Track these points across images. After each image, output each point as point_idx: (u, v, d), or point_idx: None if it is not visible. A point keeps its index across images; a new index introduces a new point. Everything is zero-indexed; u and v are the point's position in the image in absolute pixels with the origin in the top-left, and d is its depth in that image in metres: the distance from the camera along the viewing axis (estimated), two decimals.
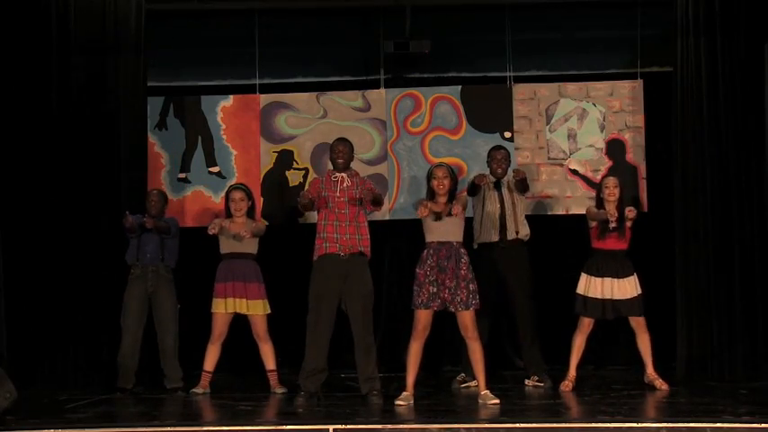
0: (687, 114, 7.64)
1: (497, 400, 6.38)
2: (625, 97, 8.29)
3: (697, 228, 7.56)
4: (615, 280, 7.08)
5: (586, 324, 7.15)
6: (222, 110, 8.42)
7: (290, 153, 8.39)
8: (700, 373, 7.42)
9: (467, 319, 6.45)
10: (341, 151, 6.83)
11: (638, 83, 8.30)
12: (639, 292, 7.11)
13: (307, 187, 7.03)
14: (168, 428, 5.69)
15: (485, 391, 6.48)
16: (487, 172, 7.50)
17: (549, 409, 6.37)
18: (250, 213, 7.41)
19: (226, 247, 7.30)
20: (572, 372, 7.15)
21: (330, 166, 6.96)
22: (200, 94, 8.49)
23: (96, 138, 7.68)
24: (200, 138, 8.42)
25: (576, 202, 8.21)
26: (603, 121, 8.30)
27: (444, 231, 6.51)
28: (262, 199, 8.17)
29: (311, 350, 6.69)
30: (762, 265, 7.50)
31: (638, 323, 7.12)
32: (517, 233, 7.36)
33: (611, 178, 7.27)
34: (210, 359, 7.29)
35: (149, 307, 7.36)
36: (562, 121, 8.30)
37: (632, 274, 7.11)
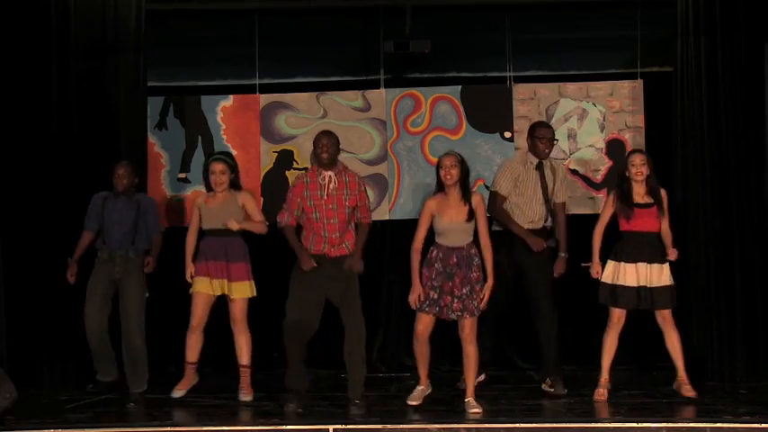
0: (687, 114, 7.64)
1: (479, 410, 6.17)
2: (625, 97, 8.29)
3: (697, 227, 7.56)
4: (649, 265, 6.52)
5: (616, 318, 6.57)
6: (222, 110, 8.42)
7: (290, 153, 8.39)
8: (700, 373, 7.42)
9: (469, 323, 6.27)
10: (325, 145, 6.38)
11: (638, 83, 8.30)
12: (672, 282, 6.59)
13: (289, 194, 6.54)
14: (168, 428, 5.70)
15: (469, 399, 6.27)
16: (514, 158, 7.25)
17: (549, 408, 6.38)
18: (235, 185, 6.84)
19: (207, 222, 6.71)
20: (605, 375, 6.64)
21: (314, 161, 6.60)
22: (200, 94, 8.49)
23: (96, 138, 7.68)
24: (200, 138, 8.42)
25: (576, 201, 8.20)
26: (603, 121, 8.30)
27: (454, 237, 6.29)
28: (262, 199, 8.17)
29: (293, 352, 6.44)
30: (762, 266, 7.49)
31: (665, 318, 6.57)
32: (547, 220, 6.97)
33: (638, 155, 6.66)
34: (193, 349, 6.69)
35: (115, 295, 6.94)
36: (562, 121, 8.30)
37: (666, 261, 6.58)
